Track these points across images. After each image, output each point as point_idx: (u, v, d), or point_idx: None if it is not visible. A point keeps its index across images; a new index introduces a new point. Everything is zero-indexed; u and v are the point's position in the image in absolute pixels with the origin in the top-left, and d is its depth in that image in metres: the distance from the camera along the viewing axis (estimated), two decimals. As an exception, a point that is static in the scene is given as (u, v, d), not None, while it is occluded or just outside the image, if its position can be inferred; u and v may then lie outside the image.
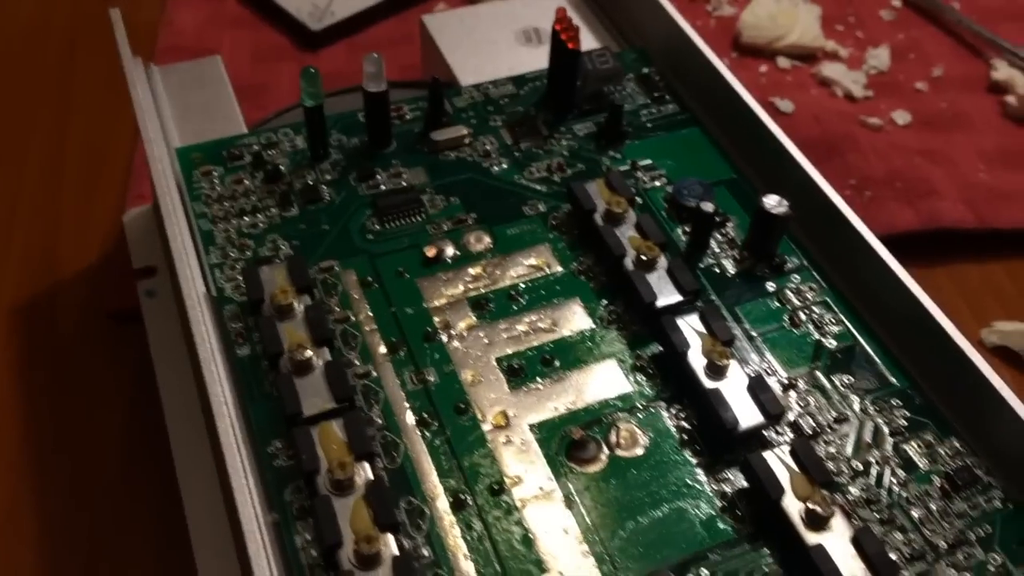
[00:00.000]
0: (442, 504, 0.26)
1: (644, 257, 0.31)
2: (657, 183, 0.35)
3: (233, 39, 0.51)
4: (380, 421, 0.28)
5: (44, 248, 0.42)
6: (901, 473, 0.27)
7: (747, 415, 0.27)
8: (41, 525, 0.33)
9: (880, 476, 0.27)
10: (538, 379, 0.29)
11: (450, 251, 0.32)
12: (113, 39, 0.35)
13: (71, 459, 0.35)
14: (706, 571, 0.25)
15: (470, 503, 0.26)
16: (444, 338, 0.30)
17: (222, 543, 0.29)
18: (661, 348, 0.30)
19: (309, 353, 0.28)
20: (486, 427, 0.28)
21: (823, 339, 0.30)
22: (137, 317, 0.37)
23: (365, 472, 0.26)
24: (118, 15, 0.36)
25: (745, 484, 0.27)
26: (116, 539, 0.33)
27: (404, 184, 0.34)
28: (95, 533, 0.33)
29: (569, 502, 0.26)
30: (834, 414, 0.28)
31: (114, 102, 0.47)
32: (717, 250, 0.33)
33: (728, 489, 0.27)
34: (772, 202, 0.31)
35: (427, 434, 0.28)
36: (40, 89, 0.49)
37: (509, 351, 0.30)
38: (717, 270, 0.32)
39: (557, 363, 0.29)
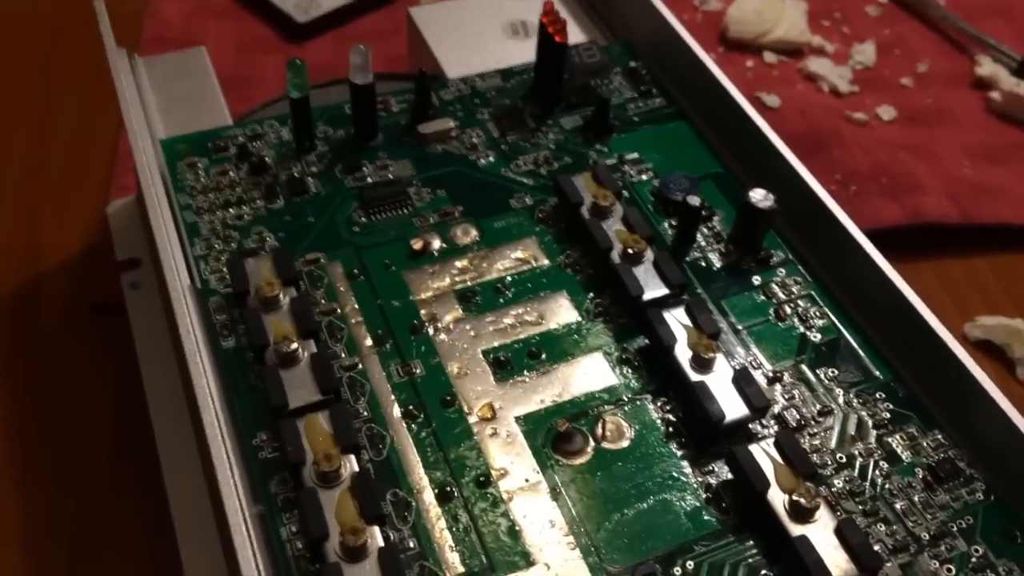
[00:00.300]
0: (428, 496, 0.26)
1: (631, 250, 0.31)
2: (644, 177, 0.35)
3: (218, 30, 0.51)
4: (366, 413, 0.28)
5: (27, 240, 0.41)
6: (885, 465, 0.27)
7: (732, 408, 0.27)
8: (25, 519, 0.33)
9: (864, 468, 0.27)
10: (524, 372, 0.29)
11: (437, 244, 0.32)
12: (97, 29, 0.35)
13: (54, 453, 0.34)
14: (691, 563, 0.25)
15: (456, 495, 0.26)
16: (430, 331, 0.30)
17: (207, 536, 0.29)
18: (647, 341, 0.30)
19: (295, 345, 0.27)
20: (472, 419, 0.28)
21: (808, 332, 0.30)
22: (121, 309, 0.37)
23: (351, 464, 0.25)
24: (102, 5, 0.35)
25: (730, 476, 0.27)
26: (100, 533, 0.32)
27: (391, 177, 0.34)
28: (79, 527, 0.33)
29: (555, 494, 0.26)
30: (818, 407, 0.29)
31: (98, 93, 0.47)
32: (703, 244, 0.33)
33: (713, 481, 0.27)
34: (758, 196, 0.31)
35: (413, 426, 0.27)
36: (23, 80, 0.49)
37: (495, 344, 0.30)
38: (703, 264, 0.32)
39: (543, 356, 0.29)
